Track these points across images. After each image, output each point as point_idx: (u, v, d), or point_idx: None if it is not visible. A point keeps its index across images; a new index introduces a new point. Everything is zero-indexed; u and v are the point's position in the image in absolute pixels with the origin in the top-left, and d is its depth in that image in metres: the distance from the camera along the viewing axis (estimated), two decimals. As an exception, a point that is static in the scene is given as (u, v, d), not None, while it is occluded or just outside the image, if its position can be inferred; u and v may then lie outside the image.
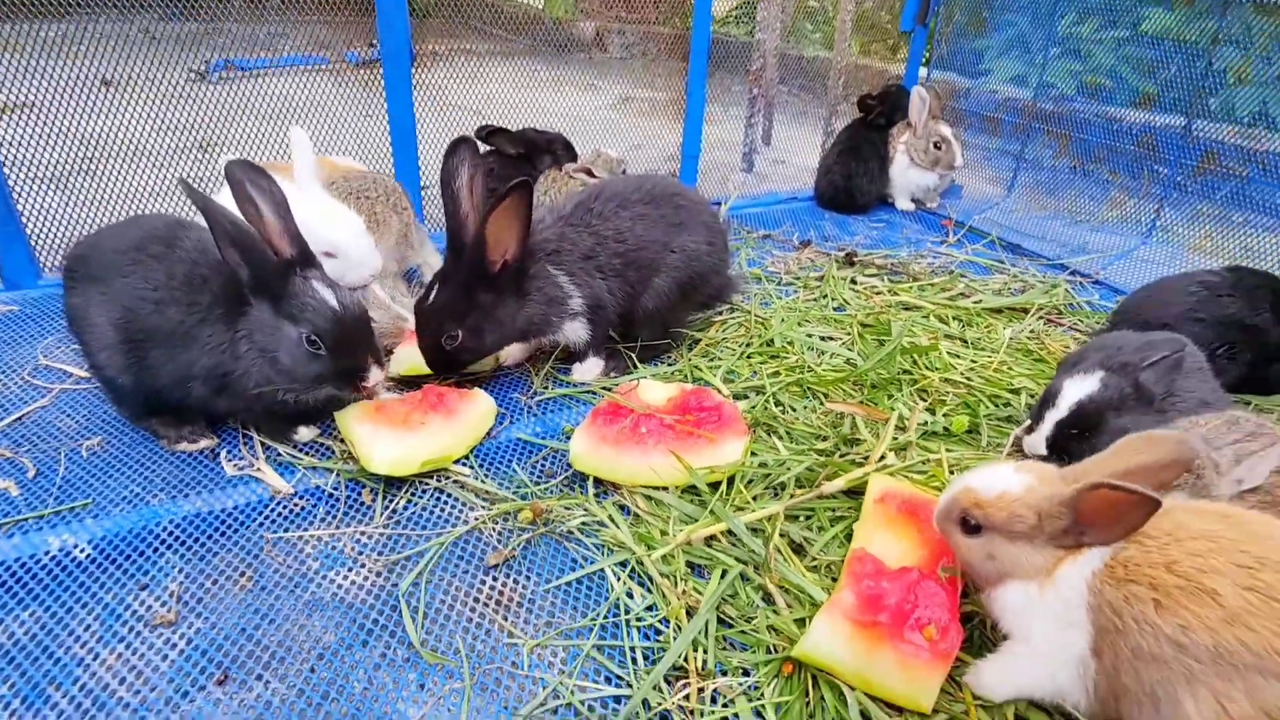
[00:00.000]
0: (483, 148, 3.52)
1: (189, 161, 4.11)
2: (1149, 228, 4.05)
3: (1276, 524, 1.26)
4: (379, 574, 1.75)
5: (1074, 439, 1.96)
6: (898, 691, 1.42)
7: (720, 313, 2.96)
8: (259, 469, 2.05)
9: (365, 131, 3.94)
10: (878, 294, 3.16)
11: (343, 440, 2.13)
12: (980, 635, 1.57)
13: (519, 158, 3.41)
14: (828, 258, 3.58)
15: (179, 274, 1.97)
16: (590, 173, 3.31)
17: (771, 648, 1.57)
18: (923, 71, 5.28)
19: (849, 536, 1.82)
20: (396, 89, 3.28)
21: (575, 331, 2.43)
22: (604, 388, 2.46)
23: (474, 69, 4.19)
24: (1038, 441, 2.01)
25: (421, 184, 3.55)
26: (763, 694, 1.48)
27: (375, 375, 1.97)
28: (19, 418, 2.20)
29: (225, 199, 2.36)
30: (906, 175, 4.34)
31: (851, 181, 4.31)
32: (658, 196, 2.55)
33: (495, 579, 1.75)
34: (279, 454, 2.12)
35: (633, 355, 2.60)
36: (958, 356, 2.66)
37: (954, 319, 2.99)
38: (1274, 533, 1.22)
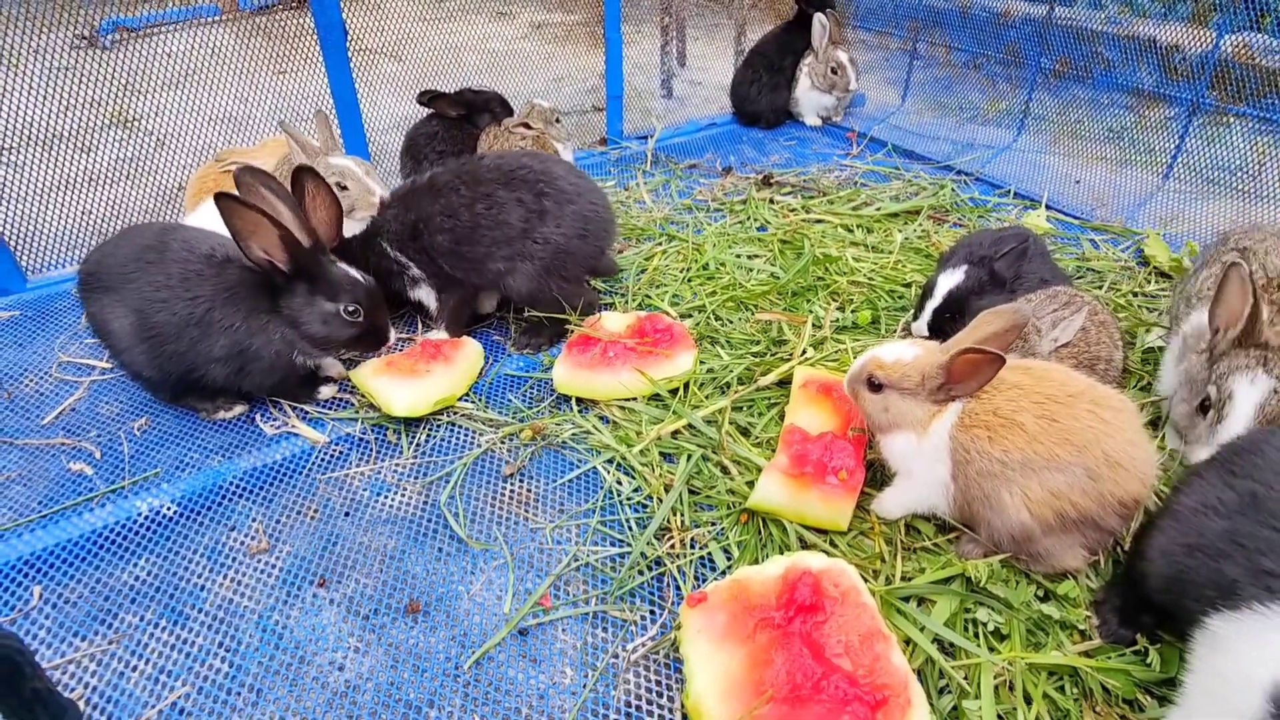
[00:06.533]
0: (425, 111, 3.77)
1: (113, 140, 3.91)
2: (1020, 121, 4.57)
3: (1058, 369, 1.81)
4: (419, 493, 2.20)
5: (947, 321, 2.49)
6: (823, 519, 1.96)
7: (661, 244, 3.38)
8: (294, 426, 2.43)
9: (284, 88, 3.97)
10: (793, 211, 3.62)
11: (359, 395, 2.53)
12: (878, 476, 2.13)
13: (460, 118, 3.66)
14: (748, 181, 4.00)
15: (175, 273, 2.27)
16: (527, 125, 3.60)
17: (730, 505, 2.09)
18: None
19: (782, 417, 2.34)
20: (335, 60, 3.47)
21: (425, 296, 2.71)
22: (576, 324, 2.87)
23: (379, 3, 4.15)
24: (921, 326, 2.55)
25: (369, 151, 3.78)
26: (728, 538, 2.01)
27: (392, 335, 2.43)
28: (61, 412, 2.50)
29: (198, 218, 2.64)
30: (809, 96, 4.77)
31: (744, 89, 4.72)
32: (517, 180, 2.53)
33: (513, 485, 2.22)
34: (306, 412, 2.50)
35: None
36: (861, 260, 3.17)
37: (858, 227, 3.49)
38: (1056, 377, 1.77)
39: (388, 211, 2.66)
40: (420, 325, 2.84)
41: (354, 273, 2.30)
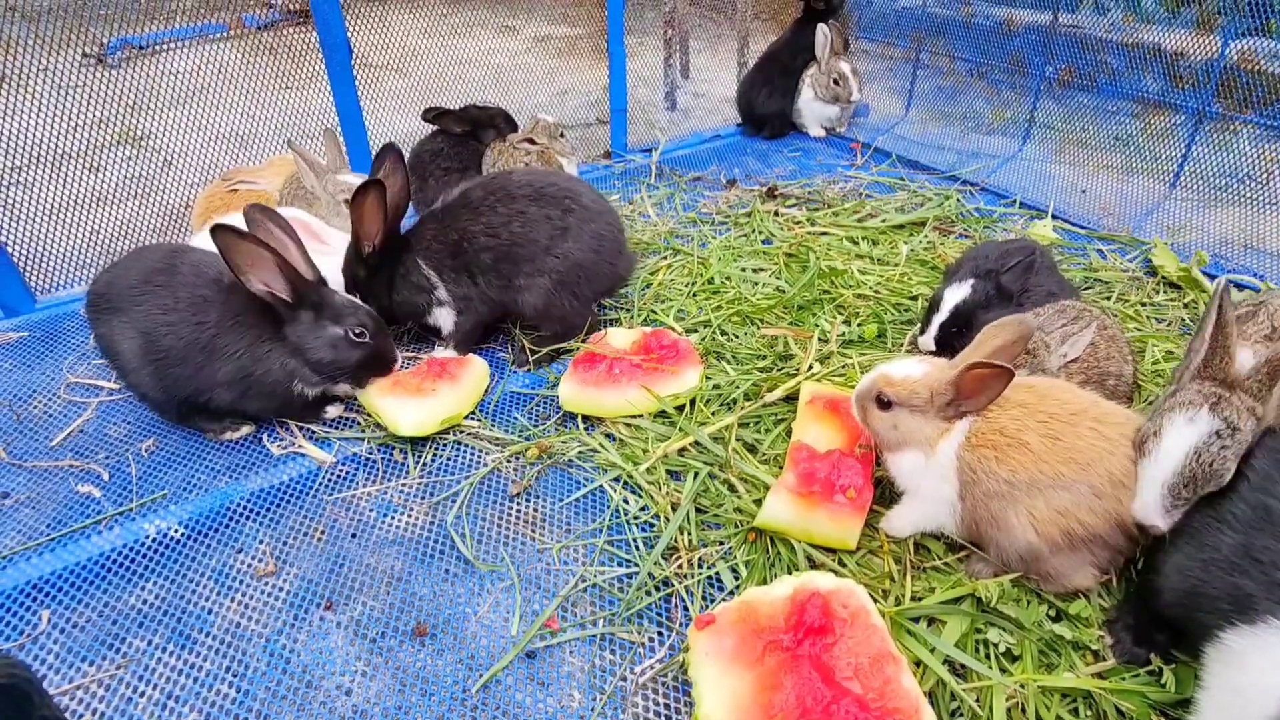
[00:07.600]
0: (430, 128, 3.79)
1: (121, 159, 3.97)
2: (1025, 130, 4.56)
3: (1063, 387, 1.80)
4: (426, 514, 2.20)
5: (954, 335, 2.47)
6: (831, 538, 1.95)
7: (666, 258, 3.38)
8: (300, 446, 2.43)
9: (289, 105, 3.99)
10: (798, 224, 3.62)
11: (365, 414, 2.53)
12: (887, 494, 2.11)
13: (465, 135, 3.68)
14: (753, 194, 4.00)
15: (183, 297, 2.29)
16: (532, 140, 3.61)
17: (738, 524, 2.08)
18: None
19: (789, 433, 2.33)
20: (340, 76, 3.49)
21: (443, 318, 2.72)
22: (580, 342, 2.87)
23: (382, 19, 4.19)
24: (927, 340, 2.53)
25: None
26: (735, 557, 2.00)
27: (399, 357, 2.49)
28: (69, 433, 2.51)
29: (204, 239, 2.64)
30: (811, 106, 4.79)
31: (751, 94, 4.73)
32: (546, 196, 2.60)
33: (519, 505, 2.22)
34: (312, 432, 2.50)
35: (532, 348, 2.80)
36: (866, 273, 3.16)
37: (863, 239, 3.48)
38: (1060, 395, 1.76)
39: (425, 229, 2.64)
40: (434, 344, 2.84)
41: (355, 300, 2.33)
